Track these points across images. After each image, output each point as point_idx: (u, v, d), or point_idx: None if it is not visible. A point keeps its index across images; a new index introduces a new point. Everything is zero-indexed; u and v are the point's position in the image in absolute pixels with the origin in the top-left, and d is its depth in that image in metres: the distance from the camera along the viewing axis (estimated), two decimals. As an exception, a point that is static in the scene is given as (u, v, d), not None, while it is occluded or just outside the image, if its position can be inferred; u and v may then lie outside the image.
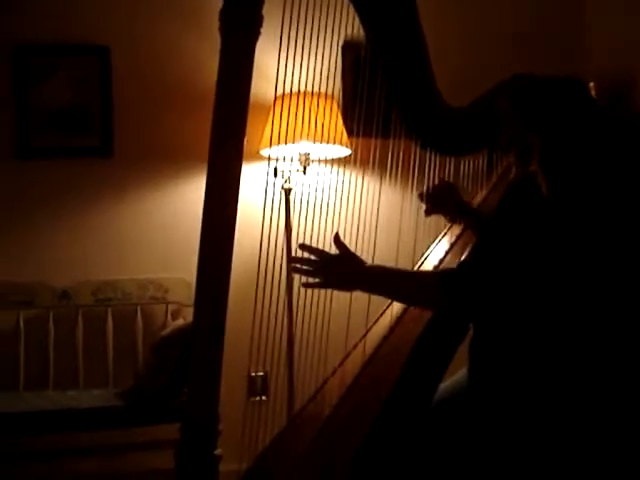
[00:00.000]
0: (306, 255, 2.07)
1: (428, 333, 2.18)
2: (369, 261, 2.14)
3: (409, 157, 2.55)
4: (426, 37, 2.37)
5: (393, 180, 2.65)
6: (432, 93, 2.35)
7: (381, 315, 2.44)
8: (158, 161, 3.86)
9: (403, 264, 2.49)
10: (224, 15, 1.66)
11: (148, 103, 3.86)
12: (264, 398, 3.73)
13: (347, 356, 2.33)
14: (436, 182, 2.60)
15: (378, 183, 2.62)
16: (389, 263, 2.17)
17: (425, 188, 2.60)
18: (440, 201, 2.60)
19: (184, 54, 3.85)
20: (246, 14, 1.65)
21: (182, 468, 1.69)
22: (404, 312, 2.35)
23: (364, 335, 2.38)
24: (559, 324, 1.92)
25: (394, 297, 2.24)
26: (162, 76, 3.87)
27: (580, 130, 2.01)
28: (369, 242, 2.45)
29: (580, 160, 2.01)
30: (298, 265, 2.07)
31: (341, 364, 2.31)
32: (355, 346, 2.36)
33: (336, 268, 2.06)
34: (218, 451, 1.78)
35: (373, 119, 2.42)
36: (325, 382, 2.26)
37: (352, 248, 2.12)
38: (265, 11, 1.70)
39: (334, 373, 2.28)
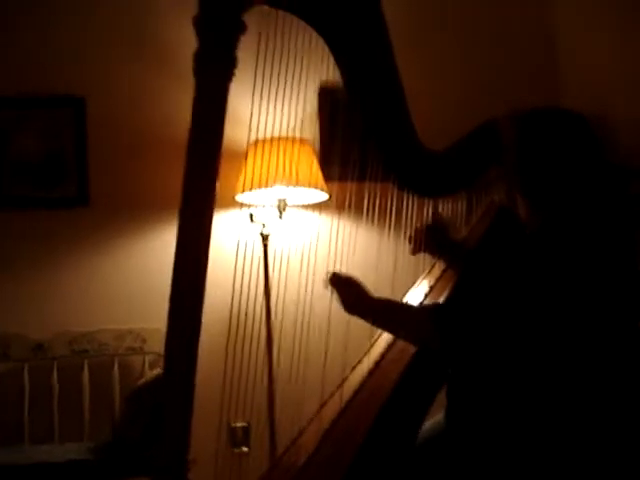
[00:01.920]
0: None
1: (407, 378, 2.14)
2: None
3: (387, 200, 2.53)
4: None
5: (370, 223, 2.63)
6: (409, 133, 2.32)
7: (358, 362, 2.40)
8: (135, 209, 3.83)
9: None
10: (199, 56, 1.67)
11: (124, 152, 3.84)
12: (246, 449, 3.66)
13: (324, 404, 2.28)
14: (418, 225, 2.58)
15: (355, 227, 2.59)
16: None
17: (413, 231, 2.59)
18: (428, 242, 2.60)
19: (160, 102, 3.84)
20: (221, 55, 1.65)
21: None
22: (382, 357, 2.31)
23: (341, 383, 2.33)
24: (541, 363, 1.90)
25: (388, 329, 2.26)
26: (138, 124, 3.85)
27: (582, 163, 2.04)
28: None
29: (573, 193, 2.02)
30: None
31: (318, 412, 2.26)
32: (332, 394, 2.31)
33: (348, 289, 2.17)
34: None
35: (350, 162, 2.40)
36: (302, 432, 2.21)
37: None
38: (239, 56, 1.68)
39: (310, 422, 2.22)
